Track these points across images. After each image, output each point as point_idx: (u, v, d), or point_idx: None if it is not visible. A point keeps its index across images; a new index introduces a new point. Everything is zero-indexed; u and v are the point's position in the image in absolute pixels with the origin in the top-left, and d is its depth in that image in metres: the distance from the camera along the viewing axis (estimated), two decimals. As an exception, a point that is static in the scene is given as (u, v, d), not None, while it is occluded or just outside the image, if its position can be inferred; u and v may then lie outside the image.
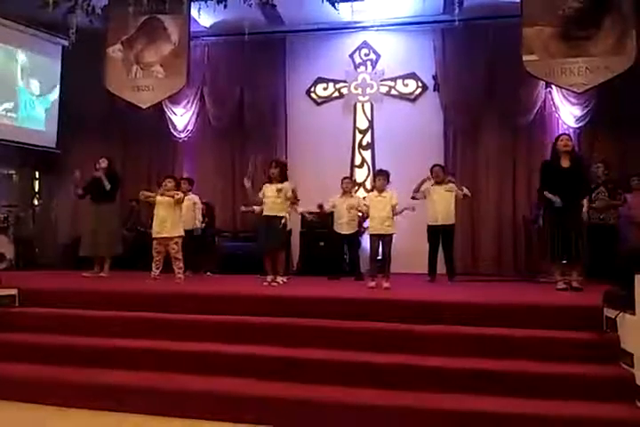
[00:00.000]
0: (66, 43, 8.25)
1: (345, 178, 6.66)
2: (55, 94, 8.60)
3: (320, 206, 6.27)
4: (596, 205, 6.05)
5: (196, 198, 6.78)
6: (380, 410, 2.94)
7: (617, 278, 3.40)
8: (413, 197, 5.97)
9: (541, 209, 5.66)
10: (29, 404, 3.32)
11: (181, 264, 5.62)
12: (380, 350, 3.41)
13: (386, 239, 5.09)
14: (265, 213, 5.31)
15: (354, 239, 6.56)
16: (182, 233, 5.67)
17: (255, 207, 5.63)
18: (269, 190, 5.31)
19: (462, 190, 6.05)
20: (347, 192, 6.46)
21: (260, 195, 5.38)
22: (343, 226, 6.37)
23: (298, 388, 3.18)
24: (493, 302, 3.87)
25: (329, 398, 3.05)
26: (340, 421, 2.95)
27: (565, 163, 4.88)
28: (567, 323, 3.47)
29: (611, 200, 6.15)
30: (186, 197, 6.58)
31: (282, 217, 5.27)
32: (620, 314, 3.18)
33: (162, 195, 5.64)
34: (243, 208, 6.04)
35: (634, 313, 2.98)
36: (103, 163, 6.24)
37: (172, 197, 5.58)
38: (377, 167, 7.60)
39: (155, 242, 5.58)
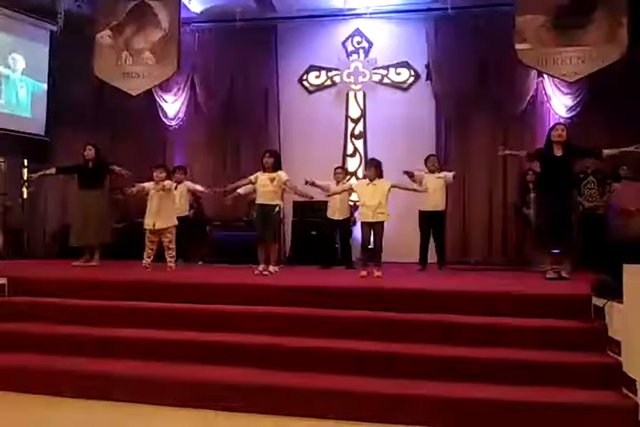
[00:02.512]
0: (54, 28, 8.11)
1: (337, 168, 6.68)
2: (43, 81, 8.47)
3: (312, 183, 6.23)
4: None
5: (189, 184, 6.73)
6: (369, 398, 2.97)
7: (605, 267, 3.43)
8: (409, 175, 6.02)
9: (530, 197, 5.75)
10: (18, 393, 3.31)
11: (173, 253, 5.61)
12: (373, 339, 3.42)
13: (377, 227, 5.11)
14: (259, 202, 5.34)
15: (345, 226, 6.58)
16: (176, 222, 5.65)
17: (240, 191, 5.70)
18: (262, 179, 5.30)
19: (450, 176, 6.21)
20: (339, 182, 6.47)
21: (252, 178, 5.37)
22: (335, 211, 6.40)
23: (287, 376, 3.19)
24: (483, 291, 3.90)
25: (318, 385, 3.07)
26: (327, 407, 2.96)
27: (557, 152, 4.90)
28: (556, 312, 3.51)
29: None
30: (179, 185, 6.57)
31: (276, 205, 5.29)
32: (608, 303, 3.22)
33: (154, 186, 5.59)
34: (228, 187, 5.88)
35: (622, 302, 3.01)
36: (90, 151, 6.16)
37: (162, 189, 5.54)
38: (369, 156, 7.64)
39: (148, 232, 5.55)
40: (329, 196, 6.21)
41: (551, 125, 5.32)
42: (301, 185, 5.86)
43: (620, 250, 3.47)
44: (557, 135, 4.90)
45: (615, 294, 3.10)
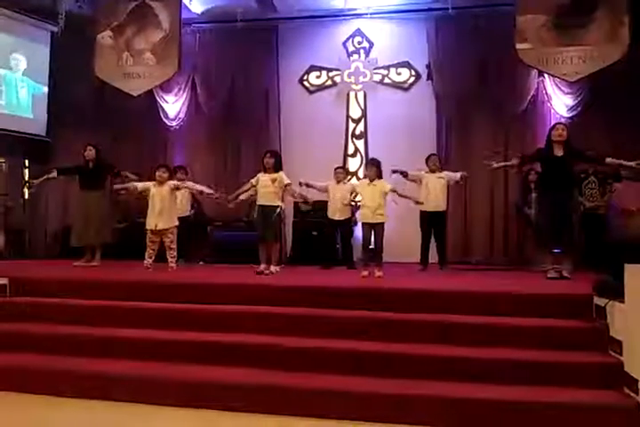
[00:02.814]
0: (55, 29, 8.12)
1: (338, 168, 6.65)
2: (44, 81, 8.47)
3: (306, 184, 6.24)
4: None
5: (191, 184, 6.72)
6: (370, 398, 2.97)
7: (607, 267, 3.42)
8: (402, 174, 6.00)
9: (531, 197, 5.75)
10: (19, 393, 3.31)
11: (174, 253, 5.60)
12: (373, 339, 3.42)
13: (378, 228, 5.11)
14: (260, 203, 5.33)
15: (346, 227, 6.56)
16: (177, 223, 5.65)
17: (242, 197, 5.68)
18: (263, 180, 5.29)
19: (457, 176, 6.19)
20: (340, 182, 6.46)
21: (254, 181, 5.37)
22: (335, 212, 6.38)
23: (288, 376, 3.19)
24: (484, 291, 3.89)
25: (318, 385, 3.07)
26: (328, 407, 2.96)
27: (558, 152, 4.90)
28: (557, 311, 3.50)
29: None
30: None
31: (277, 206, 5.27)
32: (610, 302, 3.22)
33: (156, 185, 5.60)
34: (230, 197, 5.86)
35: (623, 302, 3.01)
36: (91, 151, 6.16)
37: (176, 189, 5.56)
38: (370, 156, 7.64)
39: (149, 232, 5.55)
40: (346, 206, 6.21)
41: (551, 125, 5.31)
42: (299, 187, 5.88)
43: (621, 250, 3.46)
44: (558, 135, 4.90)
45: (616, 293, 3.10)
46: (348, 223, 6.57)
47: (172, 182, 5.62)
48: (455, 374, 3.09)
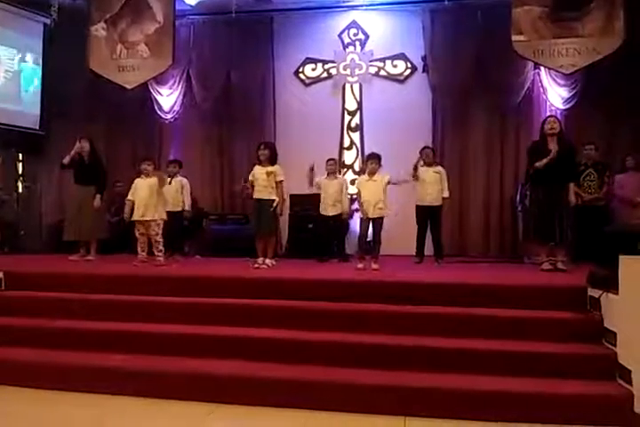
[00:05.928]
0: (48, 21, 8.04)
1: (329, 159, 6.59)
2: (37, 74, 8.40)
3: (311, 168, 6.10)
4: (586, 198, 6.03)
5: (185, 181, 6.70)
6: (367, 389, 2.98)
7: (603, 259, 3.43)
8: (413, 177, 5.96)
9: (528, 191, 5.72)
10: (16, 388, 3.31)
11: (161, 247, 5.59)
12: (371, 331, 3.43)
13: (377, 222, 5.11)
14: (255, 197, 5.30)
15: (338, 222, 6.53)
16: (164, 216, 5.66)
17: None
18: (259, 173, 5.27)
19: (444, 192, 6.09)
20: (331, 174, 6.42)
21: (250, 177, 5.35)
22: (327, 208, 6.34)
23: (282, 368, 3.20)
24: (480, 283, 3.90)
25: (316, 377, 3.08)
26: (327, 399, 2.98)
27: (552, 145, 4.90)
28: (552, 303, 3.52)
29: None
30: (174, 180, 6.55)
31: (272, 200, 5.25)
32: (604, 294, 3.23)
33: (141, 177, 5.64)
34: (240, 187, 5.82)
35: (617, 293, 3.02)
36: (85, 144, 6.08)
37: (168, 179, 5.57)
38: (366, 149, 7.63)
39: (137, 223, 5.56)
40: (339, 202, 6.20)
41: (543, 119, 5.29)
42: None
43: (618, 241, 3.46)
44: (550, 128, 4.91)
45: (611, 285, 3.11)
46: (340, 218, 6.50)
47: (159, 174, 5.64)
48: (451, 365, 3.11)
